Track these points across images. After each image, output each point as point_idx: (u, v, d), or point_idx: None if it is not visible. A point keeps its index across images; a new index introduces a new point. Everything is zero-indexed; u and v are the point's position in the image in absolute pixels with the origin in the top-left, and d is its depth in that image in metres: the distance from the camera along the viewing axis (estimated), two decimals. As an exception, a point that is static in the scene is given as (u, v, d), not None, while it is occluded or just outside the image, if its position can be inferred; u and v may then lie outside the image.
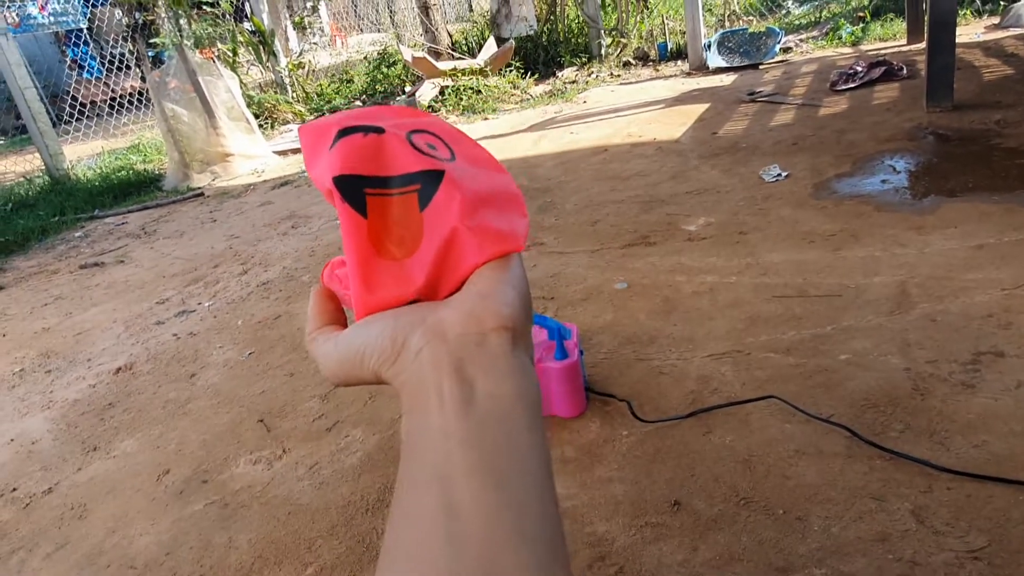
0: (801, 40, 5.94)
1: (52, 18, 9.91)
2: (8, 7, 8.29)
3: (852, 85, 3.97)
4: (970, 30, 5.04)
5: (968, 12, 5.51)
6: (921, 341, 1.51)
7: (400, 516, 0.29)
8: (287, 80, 7.18)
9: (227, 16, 7.15)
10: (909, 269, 1.82)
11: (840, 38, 5.64)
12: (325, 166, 0.36)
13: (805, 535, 1.09)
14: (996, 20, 5.24)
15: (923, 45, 3.67)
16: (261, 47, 6.97)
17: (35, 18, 9.68)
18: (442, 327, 0.32)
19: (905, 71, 4.01)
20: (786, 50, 5.64)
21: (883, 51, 4.90)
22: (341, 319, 0.38)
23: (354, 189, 0.34)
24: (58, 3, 9.77)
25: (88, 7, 9.76)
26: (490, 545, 0.26)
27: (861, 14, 6.07)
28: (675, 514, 1.19)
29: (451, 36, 7.82)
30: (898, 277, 1.79)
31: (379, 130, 0.36)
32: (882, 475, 1.18)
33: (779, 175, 2.73)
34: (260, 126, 5.87)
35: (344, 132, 0.36)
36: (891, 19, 5.79)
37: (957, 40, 3.05)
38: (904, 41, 5.07)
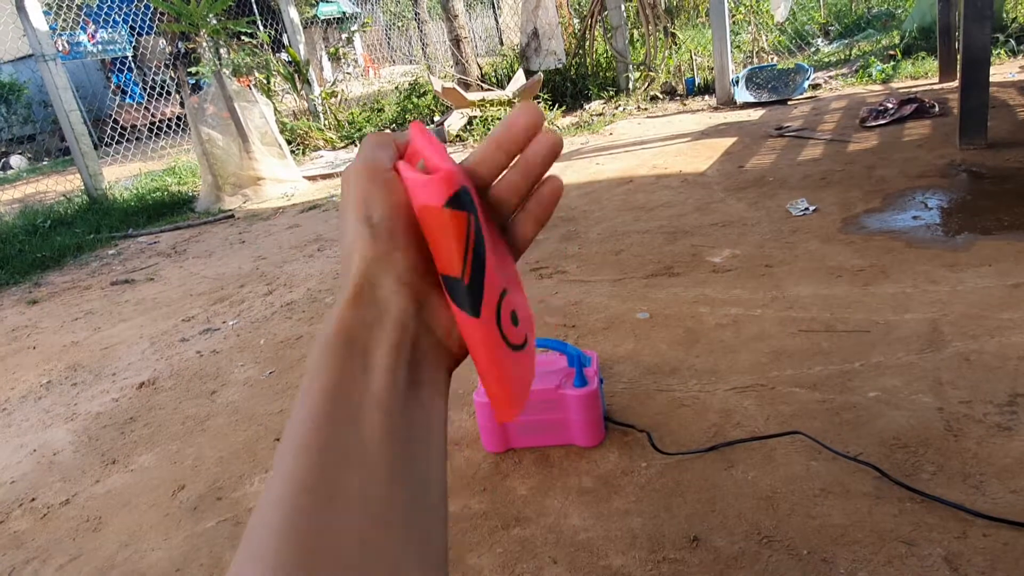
0: (830, 77, 5.93)
1: (100, 46, 10.34)
2: (60, 35, 8.67)
3: (882, 122, 3.93)
4: (1004, 69, 4.99)
5: (1003, 51, 5.45)
6: (954, 380, 1.46)
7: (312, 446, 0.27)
8: (320, 108, 7.37)
9: (264, 46, 7.40)
10: (942, 307, 1.77)
11: (870, 76, 5.61)
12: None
13: (831, 578, 1.05)
14: (1031, 60, 5.18)
15: (956, 83, 3.64)
16: (296, 76, 7.17)
17: (84, 45, 10.11)
18: (428, 317, 0.33)
19: (937, 108, 3.96)
20: (815, 87, 5.62)
21: (914, 89, 4.86)
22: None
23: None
24: (106, 32, 10.20)
25: (134, 36, 10.17)
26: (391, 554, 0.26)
27: (892, 52, 6.04)
28: (694, 550, 1.15)
29: (481, 68, 7.97)
30: (930, 314, 1.75)
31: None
32: (913, 518, 1.13)
33: (807, 209, 2.69)
34: (292, 152, 6.00)
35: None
36: (923, 57, 5.75)
37: (991, 79, 3.01)
38: (936, 79, 5.02)
